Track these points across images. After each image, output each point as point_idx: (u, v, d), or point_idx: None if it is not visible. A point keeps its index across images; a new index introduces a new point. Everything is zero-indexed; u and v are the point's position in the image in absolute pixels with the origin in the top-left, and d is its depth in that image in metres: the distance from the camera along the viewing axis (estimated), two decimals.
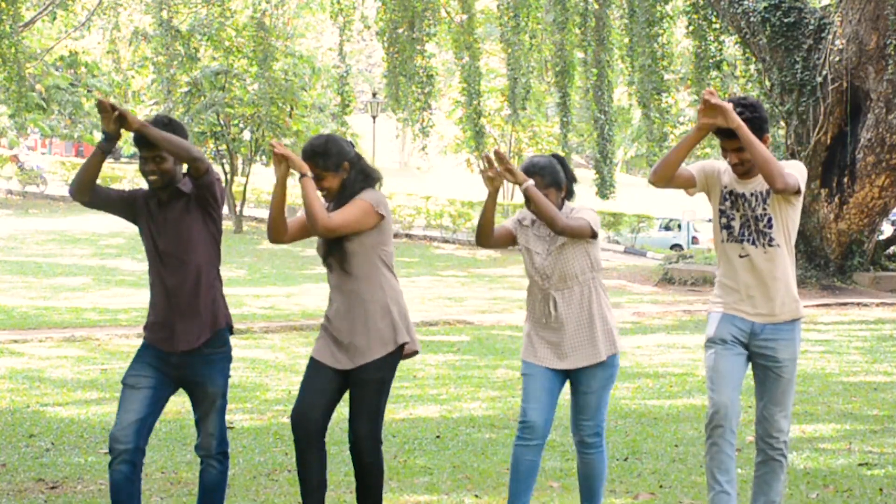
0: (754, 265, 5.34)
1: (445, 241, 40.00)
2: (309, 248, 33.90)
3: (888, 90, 24.04)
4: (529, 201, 5.43)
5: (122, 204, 5.36)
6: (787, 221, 5.35)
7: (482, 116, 35.73)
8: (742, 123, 5.13)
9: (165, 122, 5.22)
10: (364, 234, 5.36)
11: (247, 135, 39.88)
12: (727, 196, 5.38)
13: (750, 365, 5.46)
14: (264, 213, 42.66)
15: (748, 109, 5.25)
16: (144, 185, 5.43)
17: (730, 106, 5.10)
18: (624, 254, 37.69)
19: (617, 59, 31.99)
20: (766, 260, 5.34)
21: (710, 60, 28.85)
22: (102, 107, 5.04)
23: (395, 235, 38.67)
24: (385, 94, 34.88)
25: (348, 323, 5.38)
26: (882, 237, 27.72)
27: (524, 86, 31.90)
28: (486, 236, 5.66)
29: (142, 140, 5.16)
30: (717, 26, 28.57)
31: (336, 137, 5.53)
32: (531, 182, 5.43)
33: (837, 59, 24.59)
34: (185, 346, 5.26)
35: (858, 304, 22.84)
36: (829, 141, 25.12)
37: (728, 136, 5.22)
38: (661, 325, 19.17)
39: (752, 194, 5.34)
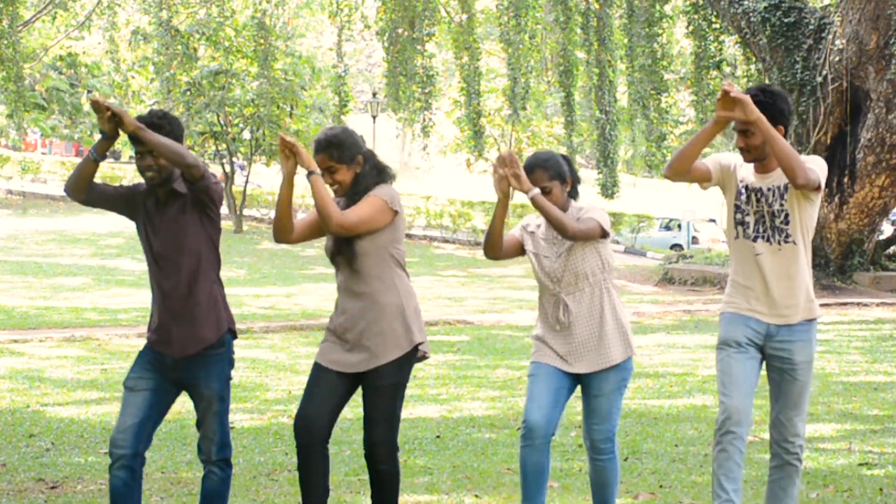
0: (768, 264, 5.14)
1: (445, 241, 40.01)
2: (309, 248, 33.90)
3: (888, 90, 24.04)
4: (538, 209, 5.23)
5: (121, 201, 5.23)
6: (805, 218, 5.15)
7: (482, 116, 35.74)
8: (761, 116, 4.92)
9: (160, 117, 5.09)
10: (377, 233, 5.16)
11: (247, 134, 39.90)
12: (743, 190, 5.18)
13: (764, 368, 5.28)
14: (264, 214, 42.66)
15: (764, 94, 5.07)
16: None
17: (748, 98, 4.91)
18: (624, 254, 37.68)
19: (618, 60, 32.01)
20: (780, 258, 5.14)
21: (710, 60, 28.86)
22: (97, 106, 4.89)
23: None
24: (385, 94, 34.89)
25: (362, 324, 5.16)
26: (882, 237, 27.74)
27: (523, 86, 31.91)
28: (494, 247, 5.39)
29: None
30: (717, 26, 28.58)
31: (350, 129, 5.32)
32: (537, 190, 5.21)
33: (837, 59, 24.59)
34: (181, 353, 5.12)
35: (858, 304, 22.84)
36: (829, 141, 25.14)
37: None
38: (661, 325, 19.18)
39: (769, 189, 5.15)
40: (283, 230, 5.22)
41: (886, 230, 30.07)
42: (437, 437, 8.68)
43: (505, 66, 35.00)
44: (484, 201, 44.80)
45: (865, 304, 22.72)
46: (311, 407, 5.20)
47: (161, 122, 5.07)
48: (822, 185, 5.12)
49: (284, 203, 5.16)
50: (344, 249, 5.17)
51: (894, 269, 26.57)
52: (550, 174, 5.34)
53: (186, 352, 5.12)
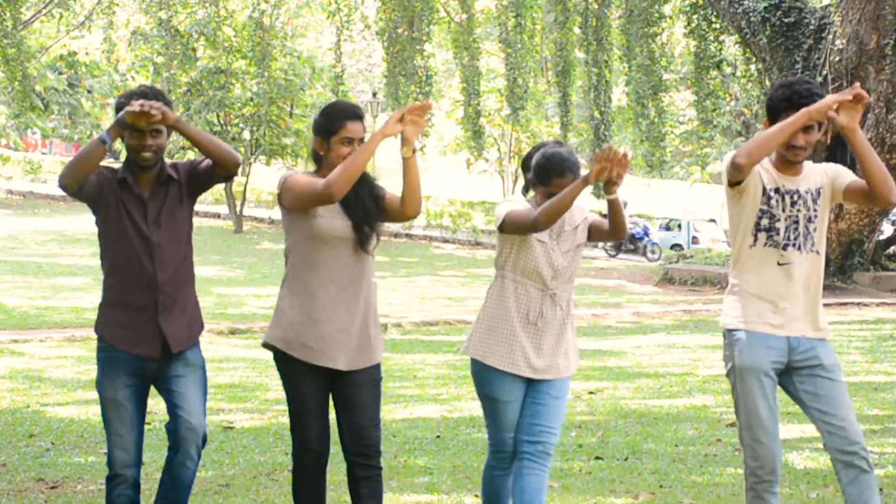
0: (794, 274, 4.70)
1: (445, 241, 40.01)
2: None
3: (888, 90, 24.05)
4: (614, 212, 4.90)
5: (96, 189, 4.77)
6: (826, 226, 4.79)
7: (482, 116, 35.75)
8: (858, 126, 4.54)
9: (146, 92, 4.76)
10: None
11: (246, 134, 39.90)
12: (772, 193, 4.69)
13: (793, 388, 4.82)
14: (264, 214, 42.65)
15: (818, 94, 4.65)
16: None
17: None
18: (624, 253, 37.67)
19: (615, 60, 32.03)
20: (807, 268, 4.73)
21: (710, 60, 28.89)
22: (145, 113, 4.54)
23: (396, 235, 38.73)
24: (384, 94, 34.90)
25: (365, 317, 4.83)
26: (882, 237, 27.74)
27: (522, 86, 31.94)
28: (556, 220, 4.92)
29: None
30: (717, 26, 28.59)
31: None
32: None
33: (837, 59, 24.60)
34: (178, 348, 4.79)
35: (858, 304, 22.85)
36: (829, 141, 25.10)
37: None
38: (661, 325, 19.18)
39: (806, 192, 4.72)
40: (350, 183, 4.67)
41: (886, 230, 30.08)
42: (437, 437, 8.68)
43: (504, 67, 35.02)
44: (483, 201, 44.81)
45: (865, 304, 22.73)
46: (319, 432, 4.94)
47: (145, 97, 4.72)
48: None
49: (365, 160, 4.70)
50: (367, 231, 4.81)
51: (894, 269, 26.57)
52: (576, 175, 5.04)
53: (180, 347, 4.82)
